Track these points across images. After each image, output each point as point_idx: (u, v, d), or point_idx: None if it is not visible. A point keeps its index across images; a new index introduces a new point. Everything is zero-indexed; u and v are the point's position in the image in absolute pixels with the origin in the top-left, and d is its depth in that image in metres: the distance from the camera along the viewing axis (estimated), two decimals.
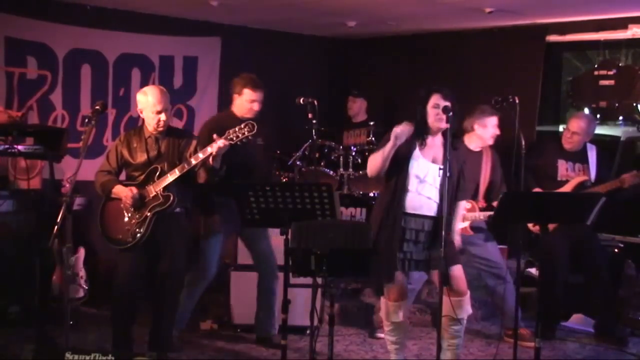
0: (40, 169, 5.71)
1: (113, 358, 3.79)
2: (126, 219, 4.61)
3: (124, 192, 4.59)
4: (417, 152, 4.33)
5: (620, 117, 6.36)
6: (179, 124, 7.26)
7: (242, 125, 4.42)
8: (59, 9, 6.32)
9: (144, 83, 6.78)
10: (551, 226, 5.30)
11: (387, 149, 4.24)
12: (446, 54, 7.49)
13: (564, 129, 5.71)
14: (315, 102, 5.12)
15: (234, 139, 4.41)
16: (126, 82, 6.81)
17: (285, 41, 7.83)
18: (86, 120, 4.38)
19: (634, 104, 6.20)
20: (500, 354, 4.92)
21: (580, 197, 4.85)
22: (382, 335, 5.58)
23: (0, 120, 5.40)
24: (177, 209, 4.64)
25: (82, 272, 5.80)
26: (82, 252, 5.85)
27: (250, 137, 4.46)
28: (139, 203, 4.58)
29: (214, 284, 6.05)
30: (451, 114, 4.15)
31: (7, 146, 5.08)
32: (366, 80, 8.14)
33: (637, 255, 5.89)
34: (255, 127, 4.42)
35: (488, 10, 6.23)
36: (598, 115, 6.20)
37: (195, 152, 4.56)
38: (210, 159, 4.45)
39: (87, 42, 6.55)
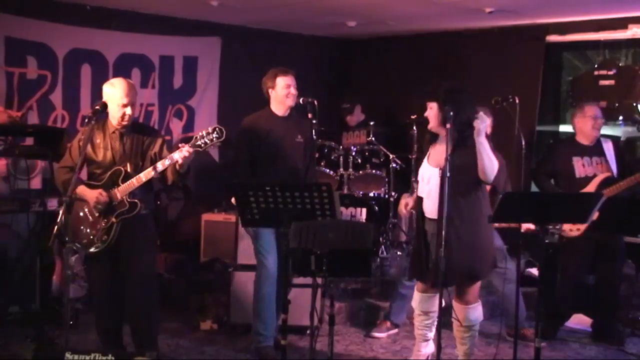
0: (41, 169, 5.71)
1: (113, 358, 3.80)
2: (90, 224, 4.44)
3: (90, 194, 4.42)
4: (425, 159, 4.44)
5: (620, 117, 6.34)
6: (179, 124, 7.26)
7: (210, 130, 4.24)
8: (59, 9, 6.32)
9: (144, 83, 6.78)
10: (581, 228, 5.25)
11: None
12: (446, 54, 7.49)
13: (582, 121, 5.50)
14: (315, 102, 5.11)
15: (202, 145, 4.24)
16: None
17: (285, 41, 7.83)
18: (86, 120, 4.37)
19: (634, 104, 6.19)
20: (500, 354, 4.92)
21: (580, 197, 4.83)
22: (378, 334, 5.59)
23: (0, 120, 5.41)
24: (143, 212, 4.49)
25: (81, 272, 5.80)
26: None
27: (219, 144, 4.30)
28: (106, 208, 4.43)
29: (214, 284, 6.08)
30: (452, 114, 4.11)
31: (7, 146, 5.10)
32: (366, 80, 8.14)
33: (637, 255, 5.88)
34: (224, 132, 4.23)
35: (488, 10, 6.23)
36: None
37: (161, 151, 4.44)
38: (177, 165, 4.31)
39: (87, 42, 6.55)
